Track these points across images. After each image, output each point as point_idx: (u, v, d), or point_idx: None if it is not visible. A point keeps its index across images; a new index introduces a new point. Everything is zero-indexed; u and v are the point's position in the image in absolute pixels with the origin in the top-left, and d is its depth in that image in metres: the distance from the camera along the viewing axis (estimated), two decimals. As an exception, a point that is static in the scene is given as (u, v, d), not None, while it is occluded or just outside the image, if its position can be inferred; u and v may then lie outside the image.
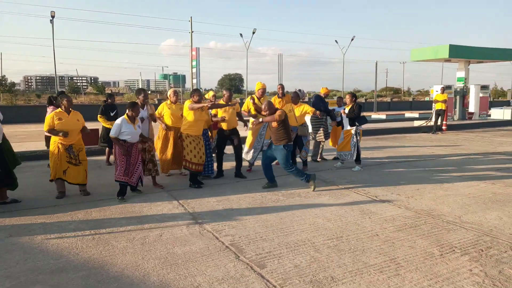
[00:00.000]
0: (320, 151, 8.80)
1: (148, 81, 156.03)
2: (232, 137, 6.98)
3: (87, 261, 3.65)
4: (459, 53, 17.22)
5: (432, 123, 15.18)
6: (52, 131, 5.56)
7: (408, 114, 23.84)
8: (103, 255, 3.78)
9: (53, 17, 21.10)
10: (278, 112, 6.02)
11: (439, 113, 14.69)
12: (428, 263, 3.54)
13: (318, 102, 8.48)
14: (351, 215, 4.87)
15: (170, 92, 7.05)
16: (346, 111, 7.68)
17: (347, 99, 7.88)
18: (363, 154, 8.95)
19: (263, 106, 6.26)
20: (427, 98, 49.59)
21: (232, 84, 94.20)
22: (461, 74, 18.74)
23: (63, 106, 5.73)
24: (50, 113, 5.78)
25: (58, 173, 5.61)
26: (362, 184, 6.48)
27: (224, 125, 6.90)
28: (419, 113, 23.50)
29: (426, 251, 3.78)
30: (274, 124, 6.02)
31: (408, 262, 3.56)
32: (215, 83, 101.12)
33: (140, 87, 67.60)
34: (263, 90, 7.56)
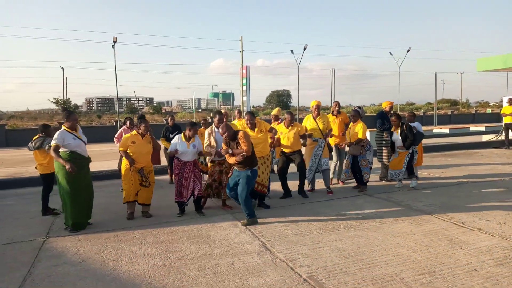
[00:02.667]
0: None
1: (199, 99, 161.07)
2: (294, 157, 6.67)
3: (160, 291, 3.49)
4: (532, 60, 15.80)
5: (503, 137, 13.94)
6: (125, 153, 5.65)
7: (473, 128, 22.18)
8: (176, 285, 3.60)
9: (115, 42, 22.32)
10: (245, 147, 5.17)
11: (509, 127, 13.52)
12: (550, 309, 2.99)
13: (381, 119, 7.98)
14: (439, 245, 4.35)
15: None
16: (395, 135, 7.22)
17: (393, 121, 7.31)
18: (435, 173, 8.28)
19: (220, 129, 5.44)
20: (488, 110, 46.34)
21: (280, 100, 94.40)
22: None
23: (140, 130, 5.80)
24: (127, 134, 5.87)
25: (132, 196, 5.67)
26: (442, 207, 5.89)
27: (286, 149, 6.63)
28: (485, 126, 21.79)
29: (543, 293, 3.22)
30: (239, 159, 5.24)
31: (524, 306, 3.03)
32: (263, 100, 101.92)
33: (193, 105, 69.77)
34: (318, 107, 7.14)
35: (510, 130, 13.46)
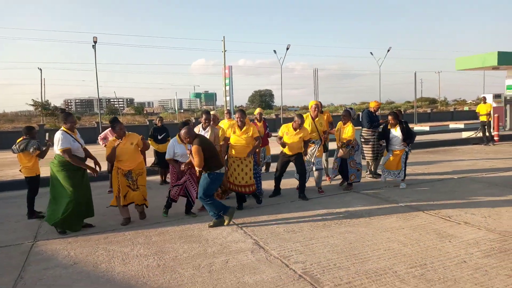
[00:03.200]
0: (371, 167, 8.36)
1: (181, 100, 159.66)
2: (295, 159, 6.62)
3: (156, 291, 3.47)
4: (508, 60, 16.33)
5: (481, 134, 14.34)
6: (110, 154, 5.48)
7: (452, 125, 22.78)
8: (172, 285, 3.59)
9: (95, 42, 21.94)
10: (196, 162, 5.09)
11: (484, 124, 13.86)
12: (537, 296, 3.11)
13: (367, 119, 8.09)
14: (428, 239, 4.46)
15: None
16: (395, 133, 7.25)
17: (391, 120, 7.32)
18: (419, 169, 8.47)
19: (182, 133, 5.33)
20: (466, 108, 47.54)
21: (263, 100, 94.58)
22: (510, 82, 17.74)
23: (116, 135, 5.62)
24: (110, 140, 5.68)
25: (120, 200, 5.45)
26: (429, 202, 6.03)
27: (287, 150, 6.60)
28: (464, 124, 22.43)
29: (529, 282, 3.35)
30: (184, 167, 5.41)
31: (513, 295, 3.14)
32: (245, 100, 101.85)
33: (175, 106, 68.96)
34: (317, 107, 7.11)
35: (486, 127, 13.82)
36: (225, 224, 5.29)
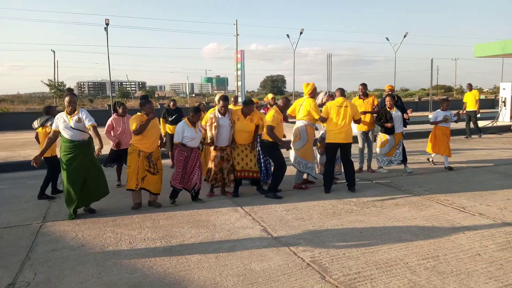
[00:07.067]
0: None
1: (192, 84, 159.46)
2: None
3: (162, 276, 3.43)
4: (529, 47, 15.74)
5: (499, 123, 13.85)
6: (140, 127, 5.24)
7: (468, 114, 22.27)
8: (178, 269, 3.55)
9: (107, 25, 21.85)
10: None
11: (470, 114, 12.54)
12: (555, 293, 2.98)
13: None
14: (441, 230, 4.34)
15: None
16: (395, 113, 7.25)
17: (388, 102, 7.33)
18: (434, 158, 8.27)
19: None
20: (482, 96, 46.46)
21: (274, 86, 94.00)
22: (531, 69, 17.17)
23: (144, 112, 5.41)
24: (137, 115, 5.38)
25: (137, 183, 5.32)
26: (443, 192, 5.88)
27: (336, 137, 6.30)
28: (480, 112, 21.86)
29: (547, 277, 3.21)
30: None
31: (530, 291, 3.02)
32: (257, 85, 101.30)
33: (187, 90, 68.75)
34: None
35: (471, 117, 12.59)
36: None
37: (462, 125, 15.47)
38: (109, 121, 6.67)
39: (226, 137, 5.83)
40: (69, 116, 5.03)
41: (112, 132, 6.66)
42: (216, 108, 5.94)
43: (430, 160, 8.19)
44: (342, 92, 6.27)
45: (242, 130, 5.89)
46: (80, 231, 4.61)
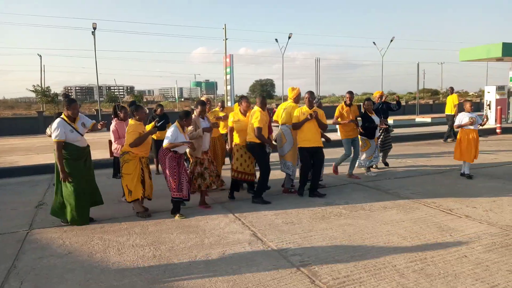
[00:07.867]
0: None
1: (181, 88, 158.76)
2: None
3: (151, 282, 3.41)
4: (513, 51, 16.12)
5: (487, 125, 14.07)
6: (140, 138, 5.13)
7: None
8: (167, 275, 3.53)
9: (94, 28, 21.68)
10: None
11: (449, 118, 12.26)
12: (539, 293, 3.04)
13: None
14: (428, 232, 4.39)
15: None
16: (374, 117, 7.51)
17: (369, 105, 7.46)
18: (420, 161, 8.39)
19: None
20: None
21: (264, 90, 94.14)
22: (514, 73, 17.54)
23: (137, 117, 5.30)
24: (133, 124, 5.24)
25: (143, 190, 5.25)
26: (429, 195, 5.96)
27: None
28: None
29: (531, 278, 3.28)
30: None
31: (515, 291, 3.08)
32: (246, 89, 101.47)
33: (176, 94, 68.37)
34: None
35: (447, 121, 12.44)
36: None
37: (445, 128, 15.73)
38: (113, 127, 6.30)
39: (207, 140, 5.89)
40: (73, 124, 4.87)
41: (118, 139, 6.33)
42: (195, 112, 5.93)
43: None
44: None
45: (243, 130, 5.99)
46: (67, 238, 4.55)
